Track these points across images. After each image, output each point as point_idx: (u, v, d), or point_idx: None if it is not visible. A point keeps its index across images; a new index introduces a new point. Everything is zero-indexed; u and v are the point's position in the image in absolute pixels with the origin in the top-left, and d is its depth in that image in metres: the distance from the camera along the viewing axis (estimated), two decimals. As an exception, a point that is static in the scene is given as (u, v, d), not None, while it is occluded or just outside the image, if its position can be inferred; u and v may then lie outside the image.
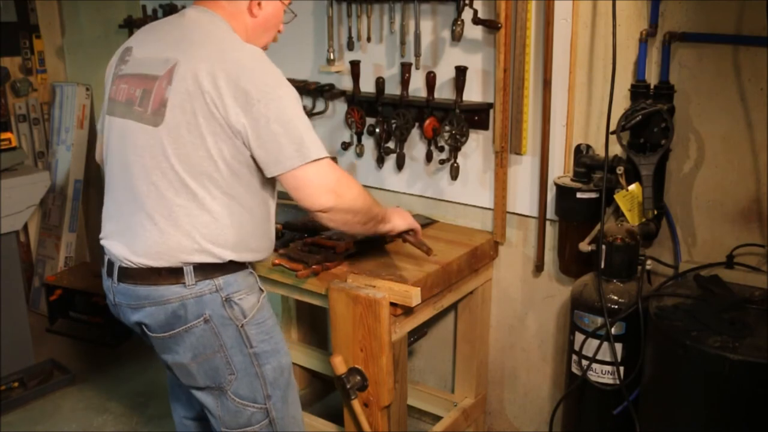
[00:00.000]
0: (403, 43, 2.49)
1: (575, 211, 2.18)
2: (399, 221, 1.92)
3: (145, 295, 1.65)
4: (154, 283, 1.63)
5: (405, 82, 2.49)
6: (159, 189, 1.61)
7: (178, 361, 1.71)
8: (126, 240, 1.67)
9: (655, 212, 2.07)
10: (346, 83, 2.71)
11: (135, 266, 1.64)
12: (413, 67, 2.47)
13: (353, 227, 1.72)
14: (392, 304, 2.01)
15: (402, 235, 1.99)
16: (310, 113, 2.80)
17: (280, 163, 1.58)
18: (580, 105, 2.23)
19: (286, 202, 2.74)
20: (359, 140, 2.69)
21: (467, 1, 2.25)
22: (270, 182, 1.71)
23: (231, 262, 1.66)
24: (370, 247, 2.29)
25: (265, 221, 1.75)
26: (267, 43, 1.78)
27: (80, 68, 3.99)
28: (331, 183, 1.61)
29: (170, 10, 3.16)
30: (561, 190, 2.21)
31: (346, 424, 2.17)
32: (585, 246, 2.10)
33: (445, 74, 2.44)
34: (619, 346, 1.96)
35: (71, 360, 3.42)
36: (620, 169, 2.06)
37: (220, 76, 1.53)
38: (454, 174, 2.48)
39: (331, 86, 2.72)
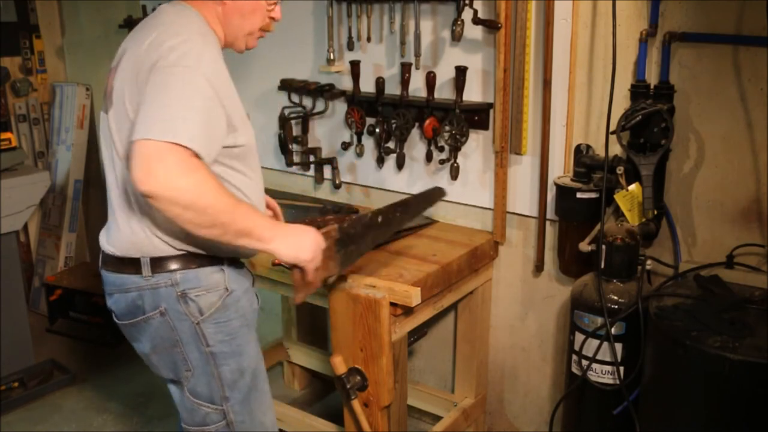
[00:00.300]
0: (403, 43, 2.49)
1: (575, 211, 2.18)
2: (283, 248, 1.57)
3: (113, 281, 1.68)
4: (119, 271, 1.66)
5: (405, 82, 2.49)
6: (117, 178, 1.63)
7: (141, 351, 1.74)
8: (106, 229, 1.72)
9: (655, 212, 2.07)
10: (346, 83, 2.71)
11: (108, 254, 1.69)
12: (413, 67, 2.47)
13: (189, 226, 1.45)
14: (392, 304, 2.01)
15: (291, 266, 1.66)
16: (310, 113, 2.81)
17: (132, 132, 1.43)
18: (580, 105, 2.23)
19: (287, 203, 2.75)
20: (359, 140, 2.69)
21: (467, 1, 2.25)
22: (224, 169, 1.60)
23: (191, 254, 1.63)
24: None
25: None
26: (251, 31, 1.70)
27: (80, 68, 3.99)
28: (161, 167, 1.38)
29: (170, 10, 3.16)
30: (561, 190, 2.21)
31: (346, 424, 2.17)
32: (585, 246, 2.10)
33: (445, 74, 2.44)
34: (619, 346, 1.96)
35: (71, 360, 3.42)
36: (620, 169, 2.06)
37: (143, 57, 1.52)
38: (454, 174, 2.48)
39: (331, 86, 2.72)
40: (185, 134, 1.40)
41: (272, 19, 1.74)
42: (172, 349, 1.67)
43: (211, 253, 1.65)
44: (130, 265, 1.63)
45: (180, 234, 1.59)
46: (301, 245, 1.61)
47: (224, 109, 1.52)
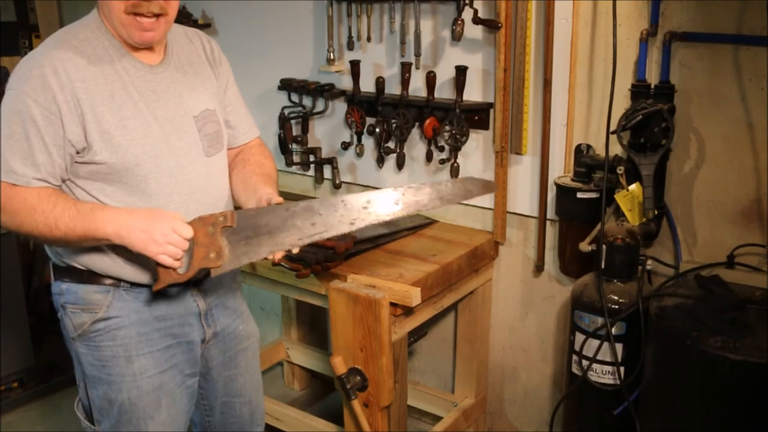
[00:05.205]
0: (403, 42, 2.49)
1: (575, 211, 2.18)
2: (133, 239, 1.44)
3: None
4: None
5: (405, 82, 2.48)
6: None
7: None
8: None
9: (656, 212, 2.07)
10: (346, 83, 2.70)
11: None
12: (413, 67, 2.47)
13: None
14: (392, 304, 2.01)
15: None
16: (310, 113, 2.80)
17: None
18: (581, 105, 2.23)
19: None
20: (359, 140, 2.69)
21: (467, 1, 2.24)
22: (91, 186, 1.54)
23: (76, 269, 1.59)
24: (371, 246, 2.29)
25: None
26: (121, 21, 1.49)
27: (80, 68, 3.98)
28: None
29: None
30: (561, 190, 2.21)
31: (346, 424, 2.17)
32: (585, 246, 2.10)
33: (445, 74, 2.44)
34: (619, 347, 1.96)
35: (71, 360, 3.40)
36: (621, 169, 2.05)
37: None
38: (455, 174, 2.48)
39: (331, 86, 2.72)
40: (4, 168, 1.45)
41: None
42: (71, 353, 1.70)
43: (102, 271, 1.58)
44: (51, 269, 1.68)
45: (62, 249, 1.59)
46: (151, 233, 1.43)
47: (61, 127, 1.45)
